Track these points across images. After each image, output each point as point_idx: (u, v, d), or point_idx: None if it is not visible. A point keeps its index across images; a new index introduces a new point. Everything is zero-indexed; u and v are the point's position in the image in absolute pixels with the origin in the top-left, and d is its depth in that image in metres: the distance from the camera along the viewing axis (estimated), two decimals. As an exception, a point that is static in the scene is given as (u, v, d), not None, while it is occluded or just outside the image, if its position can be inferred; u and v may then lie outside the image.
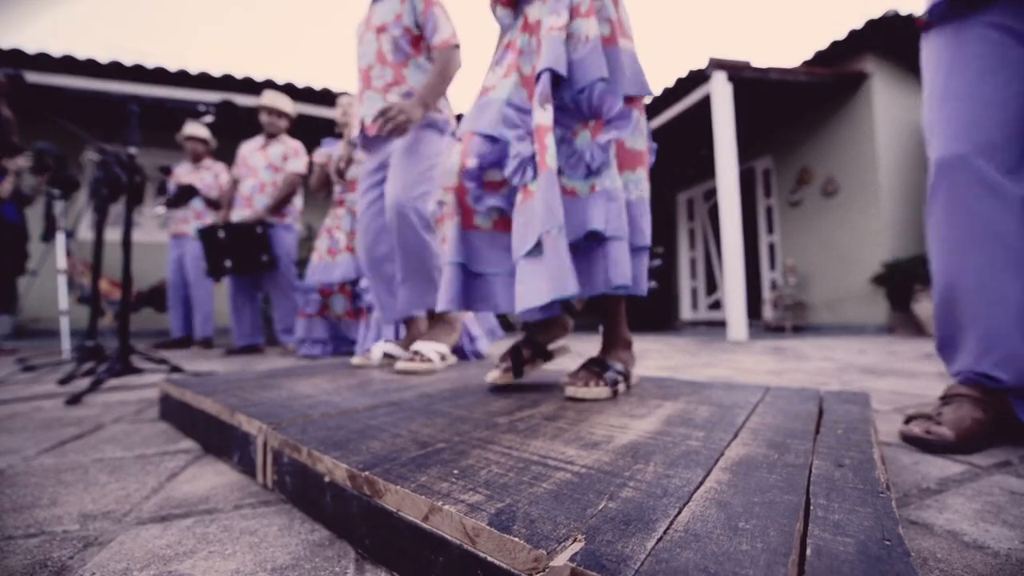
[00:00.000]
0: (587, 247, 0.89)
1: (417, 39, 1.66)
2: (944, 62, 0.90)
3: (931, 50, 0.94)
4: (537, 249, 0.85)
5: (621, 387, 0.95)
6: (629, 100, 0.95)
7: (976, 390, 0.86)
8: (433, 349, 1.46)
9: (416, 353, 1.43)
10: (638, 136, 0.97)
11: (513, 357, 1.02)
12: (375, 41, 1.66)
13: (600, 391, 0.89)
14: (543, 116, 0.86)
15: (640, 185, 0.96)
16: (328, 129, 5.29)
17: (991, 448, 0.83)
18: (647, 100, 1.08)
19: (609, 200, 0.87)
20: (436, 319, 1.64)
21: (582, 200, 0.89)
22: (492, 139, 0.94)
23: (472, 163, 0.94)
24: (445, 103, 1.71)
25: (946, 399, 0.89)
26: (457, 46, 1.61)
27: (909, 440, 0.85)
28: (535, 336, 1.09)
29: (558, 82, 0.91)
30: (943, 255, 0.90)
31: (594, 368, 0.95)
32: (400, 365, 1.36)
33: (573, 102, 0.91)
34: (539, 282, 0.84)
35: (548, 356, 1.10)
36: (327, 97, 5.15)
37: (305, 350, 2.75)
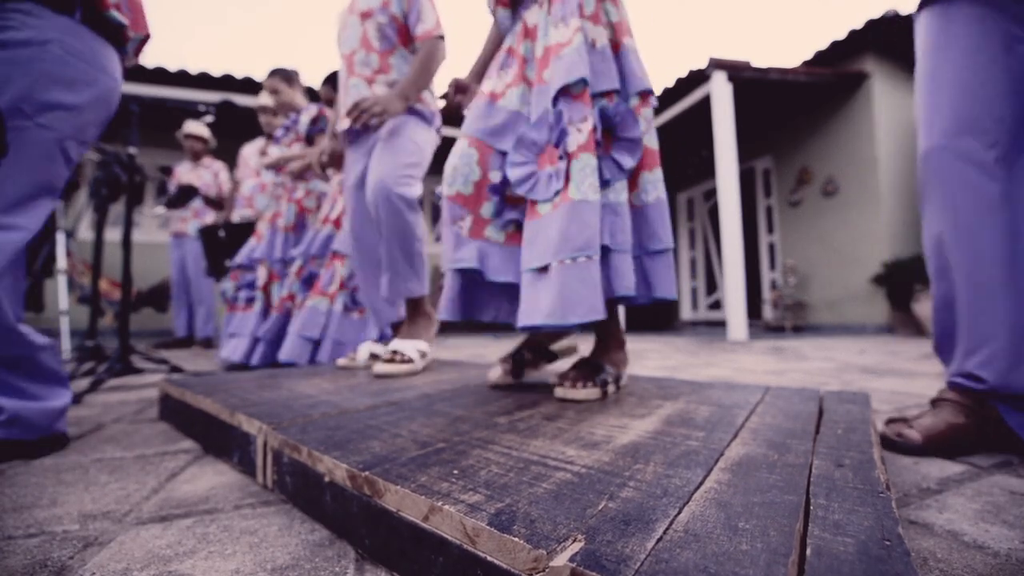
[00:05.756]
0: None
1: (404, 28, 1.60)
2: (932, 43, 0.89)
3: (921, 29, 0.93)
4: (545, 270, 0.87)
5: (611, 389, 0.95)
6: (641, 98, 0.97)
7: (962, 395, 0.85)
8: (413, 348, 1.38)
9: (395, 353, 1.35)
10: (652, 135, 0.98)
11: (514, 359, 1.02)
12: (359, 26, 1.59)
13: (590, 392, 0.89)
14: (572, 140, 0.88)
15: (658, 185, 0.97)
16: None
17: (971, 455, 0.81)
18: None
19: (615, 215, 0.89)
20: (416, 310, 1.56)
21: None
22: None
23: (496, 178, 0.97)
24: (430, 95, 1.64)
25: (935, 403, 0.89)
26: (441, 37, 1.55)
27: (883, 440, 0.86)
28: (538, 337, 1.09)
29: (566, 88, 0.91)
30: (940, 251, 0.89)
31: (585, 369, 0.95)
32: (379, 368, 1.29)
33: (598, 109, 0.92)
34: (540, 302, 0.86)
35: (552, 357, 1.09)
36: (327, 97, 5.14)
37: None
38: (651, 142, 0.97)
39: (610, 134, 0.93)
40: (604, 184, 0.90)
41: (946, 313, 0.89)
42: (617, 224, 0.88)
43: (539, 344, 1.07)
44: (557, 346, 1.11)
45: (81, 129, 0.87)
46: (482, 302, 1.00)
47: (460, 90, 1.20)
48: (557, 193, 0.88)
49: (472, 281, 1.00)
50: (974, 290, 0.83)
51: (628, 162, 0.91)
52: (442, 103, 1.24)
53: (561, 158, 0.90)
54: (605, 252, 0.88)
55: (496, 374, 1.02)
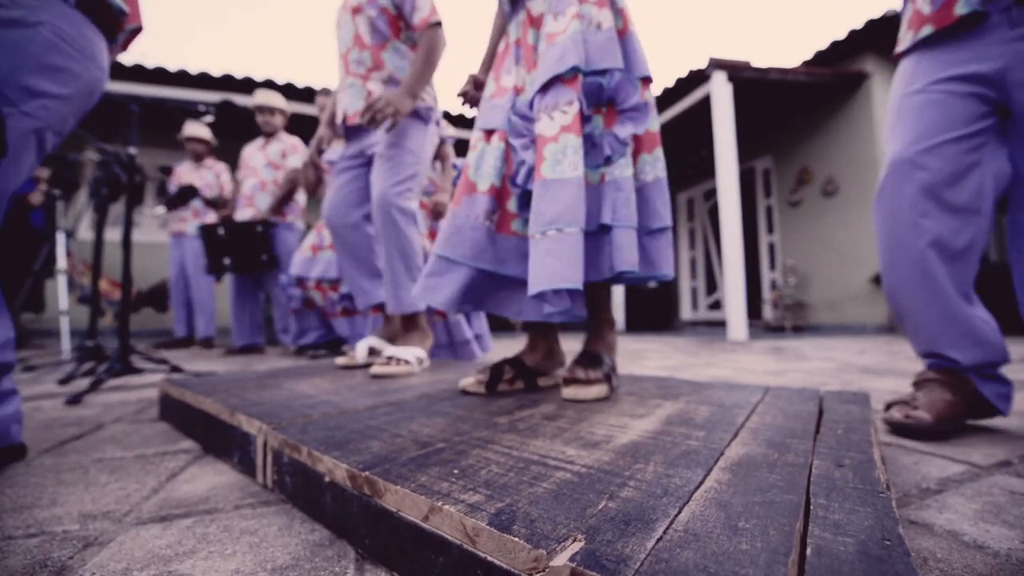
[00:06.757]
0: (595, 235, 0.91)
1: (395, 20, 1.56)
2: (904, 84, 0.98)
3: (900, 72, 1.02)
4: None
5: (615, 382, 0.96)
6: (643, 83, 0.97)
7: (943, 374, 0.93)
8: (411, 353, 1.39)
9: (391, 357, 1.36)
10: (652, 118, 0.99)
11: (492, 371, 0.99)
12: (351, 23, 1.57)
13: (600, 390, 0.89)
14: (548, 126, 0.88)
15: (657, 165, 0.98)
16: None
17: (963, 426, 0.91)
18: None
19: (617, 190, 0.89)
20: (411, 324, 1.56)
21: (592, 188, 0.91)
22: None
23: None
24: (429, 88, 1.61)
25: (918, 384, 0.96)
26: (439, 23, 1.51)
27: (891, 425, 0.90)
28: (524, 358, 1.07)
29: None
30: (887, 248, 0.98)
31: (588, 364, 0.94)
32: (375, 369, 1.29)
33: (586, 86, 0.92)
34: (551, 267, 0.83)
35: (533, 384, 1.05)
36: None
37: (302, 340, 2.77)
38: (651, 125, 0.98)
39: (613, 109, 0.93)
40: (606, 160, 0.91)
41: (898, 304, 0.98)
42: (620, 199, 0.88)
43: (524, 365, 1.04)
44: (544, 381, 1.07)
45: (63, 120, 0.83)
46: (504, 295, 1.00)
47: (479, 87, 1.20)
48: None
49: (496, 276, 0.99)
50: (925, 287, 0.92)
51: (629, 129, 0.92)
52: (459, 100, 1.23)
53: (533, 142, 0.91)
54: (606, 229, 0.89)
55: (468, 381, 1.00)
